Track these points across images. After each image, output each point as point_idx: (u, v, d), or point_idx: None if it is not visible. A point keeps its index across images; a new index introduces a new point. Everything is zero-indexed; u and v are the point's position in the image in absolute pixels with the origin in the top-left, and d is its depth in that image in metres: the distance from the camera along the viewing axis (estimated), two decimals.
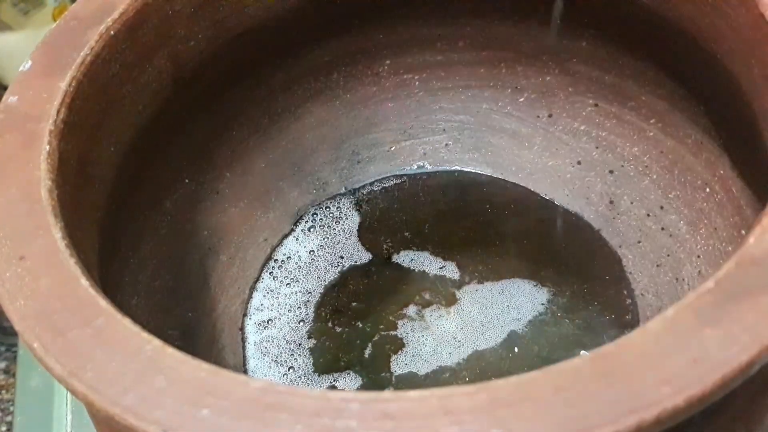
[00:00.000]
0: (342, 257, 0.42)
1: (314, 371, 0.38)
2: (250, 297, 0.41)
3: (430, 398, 0.20)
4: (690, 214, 0.39)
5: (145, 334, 0.22)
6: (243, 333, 0.39)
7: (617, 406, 0.20)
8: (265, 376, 0.38)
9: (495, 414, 0.20)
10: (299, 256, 0.42)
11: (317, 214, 0.44)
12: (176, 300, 0.38)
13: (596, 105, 0.42)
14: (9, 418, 0.68)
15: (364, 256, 0.42)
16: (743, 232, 0.36)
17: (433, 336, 0.38)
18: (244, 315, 0.40)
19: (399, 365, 0.38)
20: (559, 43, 0.41)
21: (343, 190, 0.44)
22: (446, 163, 0.45)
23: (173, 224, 0.39)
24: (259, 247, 0.42)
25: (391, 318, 0.39)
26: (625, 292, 0.39)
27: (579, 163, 0.43)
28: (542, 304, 0.39)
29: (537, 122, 0.44)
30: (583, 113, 0.43)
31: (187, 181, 0.40)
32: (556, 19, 0.35)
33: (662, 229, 0.39)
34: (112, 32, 0.32)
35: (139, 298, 0.36)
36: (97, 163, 0.31)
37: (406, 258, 0.42)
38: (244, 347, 0.39)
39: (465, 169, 0.44)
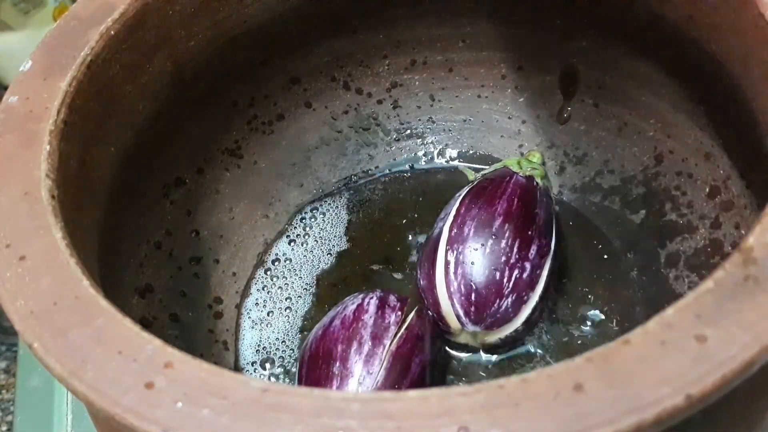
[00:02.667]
0: (341, 256, 0.42)
1: None
2: (249, 296, 0.41)
3: (430, 398, 0.20)
4: (690, 214, 0.39)
5: (145, 334, 0.22)
6: (243, 332, 0.39)
7: (617, 406, 0.20)
8: (266, 375, 0.38)
9: (495, 414, 0.20)
10: (299, 256, 0.42)
11: (317, 213, 0.44)
12: (176, 300, 0.38)
13: (596, 105, 0.42)
14: (9, 418, 0.68)
15: (363, 256, 0.42)
16: (743, 232, 0.36)
17: None
18: (244, 314, 0.40)
19: None
20: (559, 43, 0.41)
21: (343, 190, 0.44)
22: (446, 163, 0.45)
23: (173, 224, 0.39)
24: (259, 246, 0.42)
25: None
26: (627, 292, 0.39)
27: (579, 163, 0.43)
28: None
29: (537, 122, 0.44)
30: (583, 113, 0.43)
31: (187, 181, 0.40)
32: None
33: (663, 228, 0.39)
34: (112, 32, 0.32)
35: (139, 298, 0.36)
36: (97, 163, 0.32)
37: (406, 258, 0.42)
38: (243, 346, 0.39)
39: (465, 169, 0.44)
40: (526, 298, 0.36)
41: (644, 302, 0.38)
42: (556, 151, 0.43)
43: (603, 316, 0.38)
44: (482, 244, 0.36)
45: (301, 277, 0.41)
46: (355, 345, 0.34)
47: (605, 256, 0.40)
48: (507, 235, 0.36)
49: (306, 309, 0.40)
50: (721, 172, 0.37)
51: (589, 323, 0.38)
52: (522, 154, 0.44)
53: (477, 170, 0.43)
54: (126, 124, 0.34)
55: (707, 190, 0.38)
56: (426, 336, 0.35)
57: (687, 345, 0.20)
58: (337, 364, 0.33)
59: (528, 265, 0.36)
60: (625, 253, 0.40)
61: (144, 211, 0.37)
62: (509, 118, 0.44)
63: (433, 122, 0.45)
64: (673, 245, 0.39)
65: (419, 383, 0.34)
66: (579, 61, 0.41)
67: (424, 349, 0.35)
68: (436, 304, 0.36)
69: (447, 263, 0.37)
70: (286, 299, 0.41)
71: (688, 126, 0.39)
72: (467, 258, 0.36)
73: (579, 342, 0.38)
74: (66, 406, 0.42)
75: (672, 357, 0.20)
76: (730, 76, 0.32)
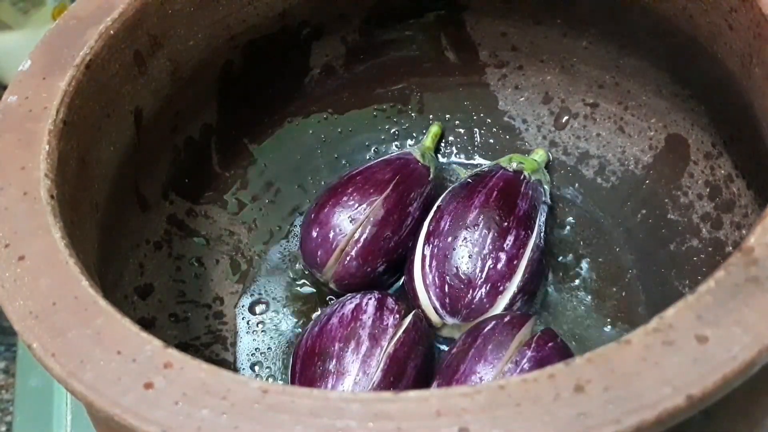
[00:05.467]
0: None
1: None
2: (249, 296, 0.40)
3: (430, 399, 0.20)
4: (691, 213, 0.39)
5: (144, 335, 0.22)
6: (242, 332, 0.39)
7: (618, 406, 0.19)
8: (266, 376, 0.38)
9: (495, 414, 0.20)
10: (299, 255, 0.42)
11: None
12: (176, 300, 0.38)
13: (596, 105, 0.42)
14: (8, 418, 0.68)
15: None
16: (744, 232, 0.36)
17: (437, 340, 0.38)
18: (244, 315, 0.40)
19: None
20: (559, 42, 0.41)
21: None
22: (446, 163, 0.45)
23: (173, 224, 0.39)
24: (259, 246, 0.42)
25: None
26: (628, 291, 0.39)
27: (580, 162, 0.43)
28: (553, 299, 0.39)
29: (537, 122, 0.44)
30: (583, 113, 0.43)
31: (186, 180, 0.40)
32: None
33: (665, 229, 0.39)
34: (111, 32, 0.32)
35: (138, 298, 0.36)
36: (96, 163, 0.31)
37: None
38: (242, 346, 0.39)
39: (465, 168, 0.44)
40: (502, 288, 0.36)
41: (645, 302, 0.38)
42: (556, 150, 0.43)
43: (603, 316, 0.38)
44: (456, 236, 0.37)
45: (301, 276, 0.41)
46: (352, 344, 0.33)
47: (606, 256, 0.40)
48: (481, 226, 0.37)
49: (306, 308, 0.40)
50: (722, 171, 0.37)
51: (588, 323, 0.38)
52: (522, 153, 0.43)
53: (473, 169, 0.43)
54: (125, 124, 0.34)
55: (708, 189, 0.38)
56: (422, 341, 0.35)
57: (688, 345, 0.20)
58: (333, 361, 0.33)
59: (503, 256, 0.36)
60: (626, 253, 0.40)
61: (143, 211, 0.37)
62: (509, 117, 0.44)
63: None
64: (674, 245, 0.39)
65: (415, 388, 0.33)
66: (579, 60, 0.41)
67: (420, 354, 0.35)
68: (416, 297, 0.37)
69: (423, 257, 0.37)
70: (286, 299, 0.41)
71: (689, 125, 0.39)
72: (441, 251, 0.36)
73: (578, 341, 0.37)
74: (65, 406, 0.42)
75: (673, 357, 0.20)
76: (730, 76, 0.32)
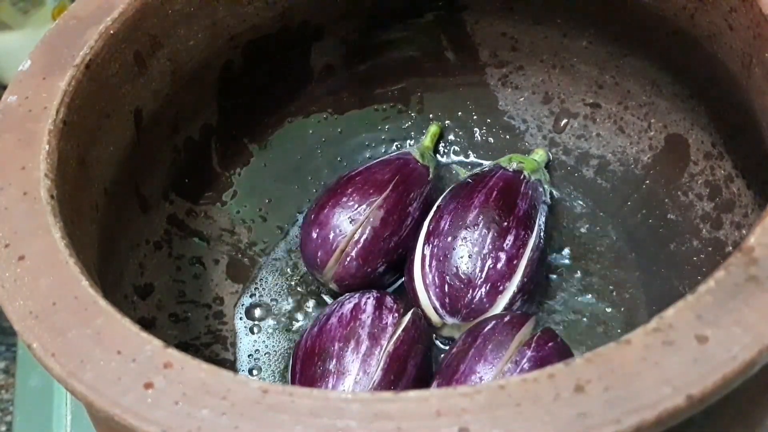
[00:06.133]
0: None
1: None
2: (249, 296, 0.40)
3: (430, 399, 0.20)
4: (691, 213, 0.39)
5: (144, 335, 0.22)
6: (242, 332, 0.39)
7: (618, 406, 0.19)
8: (266, 375, 0.38)
9: (495, 414, 0.20)
10: (299, 255, 0.42)
11: None
12: (176, 300, 0.38)
13: (596, 105, 0.42)
14: (8, 418, 0.68)
15: None
16: (744, 232, 0.36)
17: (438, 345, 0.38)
18: (244, 314, 0.40)
19: None
20: (559, 42, 0.41)
21: None
22: (446, 162, 0.45)
23: (173, 224, 0.39)
24: (259, 246, 0.42)
25: None
26: (628, 291, 0.39)
27: (580, 162, 0.43)
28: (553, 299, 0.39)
29: (537, 122, 0.44)
30: (583, 113, 0.43)
31: (186, 180, 0.40)
32: None
33: (665, 229, 0.39)
34: (111, 32, 0.32)
35: (138, 298, 0.36)
36: (96, 163, 0.31)
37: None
38: (242, 346, 0.39)
39: (465, 168, 0.44)
40: (501, 288, 0.36)
41: (645, 302, 0.38)
42: (556, 150, 0.43)
43: (603, 316, 0.38)
44: (455, 236, 0.37)
45: (301, 276, 0.41)
46: (352, 344, 0.33)
47: (606, 256, 0.40)
48: (480, 225, 0.37)
49: (306, 309, 0.40)
50: (722, 171, 0.37)
51: (589, 322, 0.38)
52: (522, 153, 0.43)
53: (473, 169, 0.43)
54: (125, 124, 0.34)
55: (708, 189, 0.38)
56: (422, 339, 0.35)
57: (688, 345, 0.20)
58: (334, 361, 0.33)
59: (503, 255, 0.36)
60: (625, 253, 0.40)
61: (143, 211, 0.37)
62: (509, 117, 0.44)
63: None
64: (674, 245, 0.39)
65: (415, 386, 0.33)
66: (579, 60, 0.41)
67: (420, 352, 0.35)
68: (416, 297, 0.37)
69: (423, 257, 0.37)
70: (286, 298, 0.41)
71: (689, 125, 0.39)
72: (441, 250, 0.36)
73: (579, 341, 0.37)
74: (65, 406, 0.42)
75: (673, 357, 0.20)
76: (731, 76, 0.32)
